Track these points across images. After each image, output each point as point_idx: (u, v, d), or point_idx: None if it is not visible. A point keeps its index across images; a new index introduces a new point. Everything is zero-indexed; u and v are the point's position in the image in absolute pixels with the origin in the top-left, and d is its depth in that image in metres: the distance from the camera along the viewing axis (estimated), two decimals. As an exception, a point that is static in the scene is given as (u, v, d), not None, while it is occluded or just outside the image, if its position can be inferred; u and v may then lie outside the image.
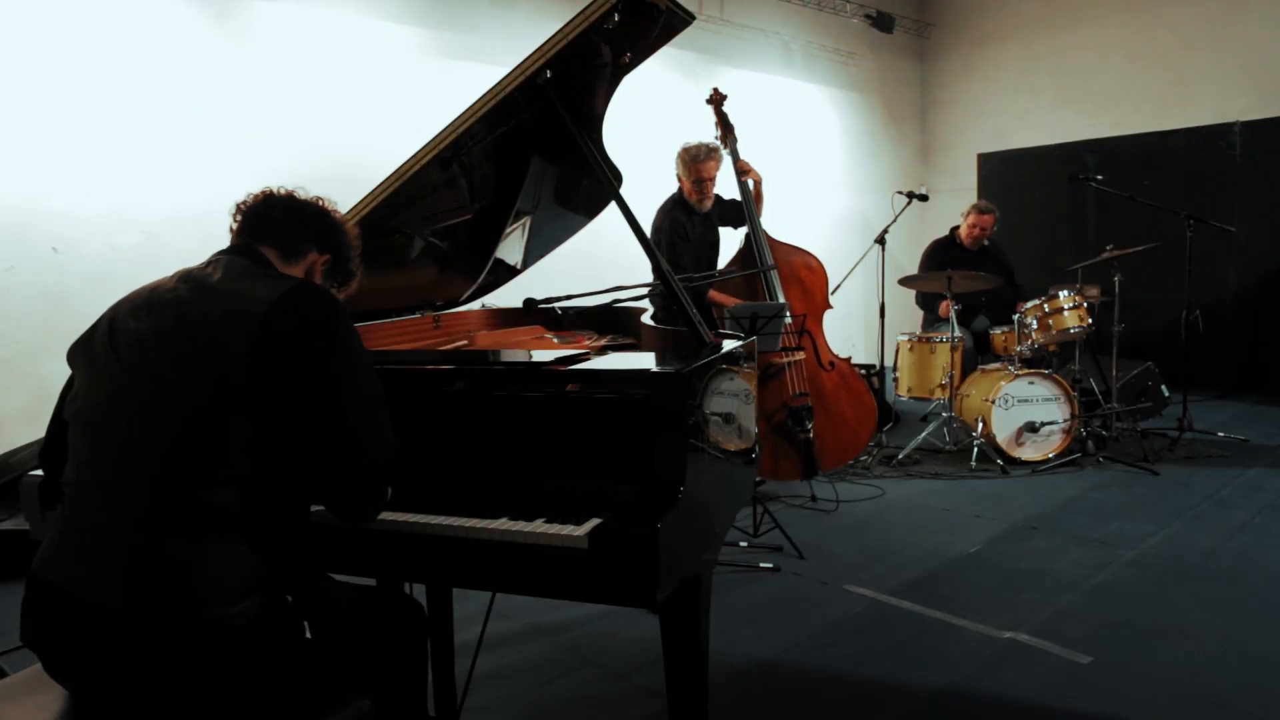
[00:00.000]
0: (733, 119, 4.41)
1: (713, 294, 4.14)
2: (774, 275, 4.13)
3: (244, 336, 1.35)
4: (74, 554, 1.35)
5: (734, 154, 4.32)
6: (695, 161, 4.03)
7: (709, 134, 4.35)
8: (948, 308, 5.08)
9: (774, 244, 4.24)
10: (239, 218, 1.61)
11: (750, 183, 4.28)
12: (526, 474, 1.64)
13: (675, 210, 4.15)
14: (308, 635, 1.41)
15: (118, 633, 1.29)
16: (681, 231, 4.12)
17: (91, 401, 1.41)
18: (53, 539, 1.40)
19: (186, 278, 1.47)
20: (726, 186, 4.30)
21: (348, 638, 1.49)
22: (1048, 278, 5.78)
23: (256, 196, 1.63)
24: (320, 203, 1.66)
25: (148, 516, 1.32)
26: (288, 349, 1.36)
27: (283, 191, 1.64)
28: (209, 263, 1.52)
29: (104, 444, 1.37)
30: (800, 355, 4.05)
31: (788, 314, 4.00)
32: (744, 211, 4.27)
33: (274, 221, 1.59)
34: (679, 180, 4.18)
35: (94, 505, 1.36)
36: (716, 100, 4.38)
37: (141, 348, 1.39)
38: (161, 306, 1.42)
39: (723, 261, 4.39)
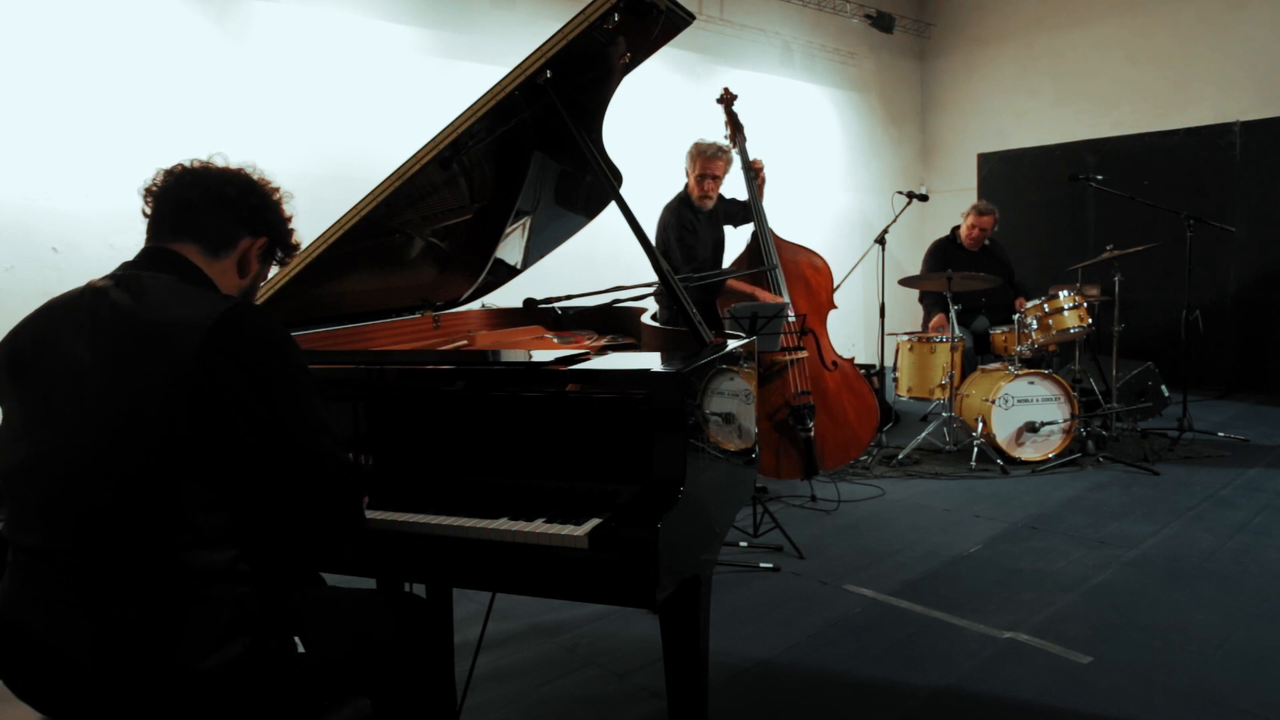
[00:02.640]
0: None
1: (732, 283, 4.17)
2: (779, 274, 4.15)
3: (177, 386, 1.21)
4: (38, 609, 1.26)
5: (743, 153, 4.33)
6: (703, 156, 4.09)
7: (711, 135, 4.36)
8: (940, 322, 5.12)
9: (780, 243, 4.26)
10: (151, 206, 1.40)
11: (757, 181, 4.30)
12: (526, 474, 1.64)
13: (681, 208, 4.20)
14: (300, 649, 1.36)
15: (90, 686, 1.23)
16: (690, 226, 4.17)
17: (23, 460, 1.28)
18: (12, 586, 1.30)
19: (112, 307, 1.28)
20: (733, 188, 4.32)
21: (345, 642, 1.47)
22: (1048, 278, 5.78)
23: (166, 177, 1.41)
24: (243, 174, 1.44)
25: (115, 588, 1.22)
26: (229, 395, 1.23)
27: (196, 165, 1.42)
28: (125, 280, 1.32)
29: (51, 516, 1.25)
30: (803, 354, 4.06)
31: (791, 313, 4.02)
32: (748, 210, 4.28)
33: (192, 209, 1.38)
34: (686, 174, 4.22)
35: (50, 573, 1.25)
36: (727, 100, 4.40)
37: (71, 398, 1.25)
38: (84, 354, 1.26)
39: (727, 260, 4.40)
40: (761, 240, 4.18)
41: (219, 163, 1.44)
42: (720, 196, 4.29)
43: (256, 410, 1.26)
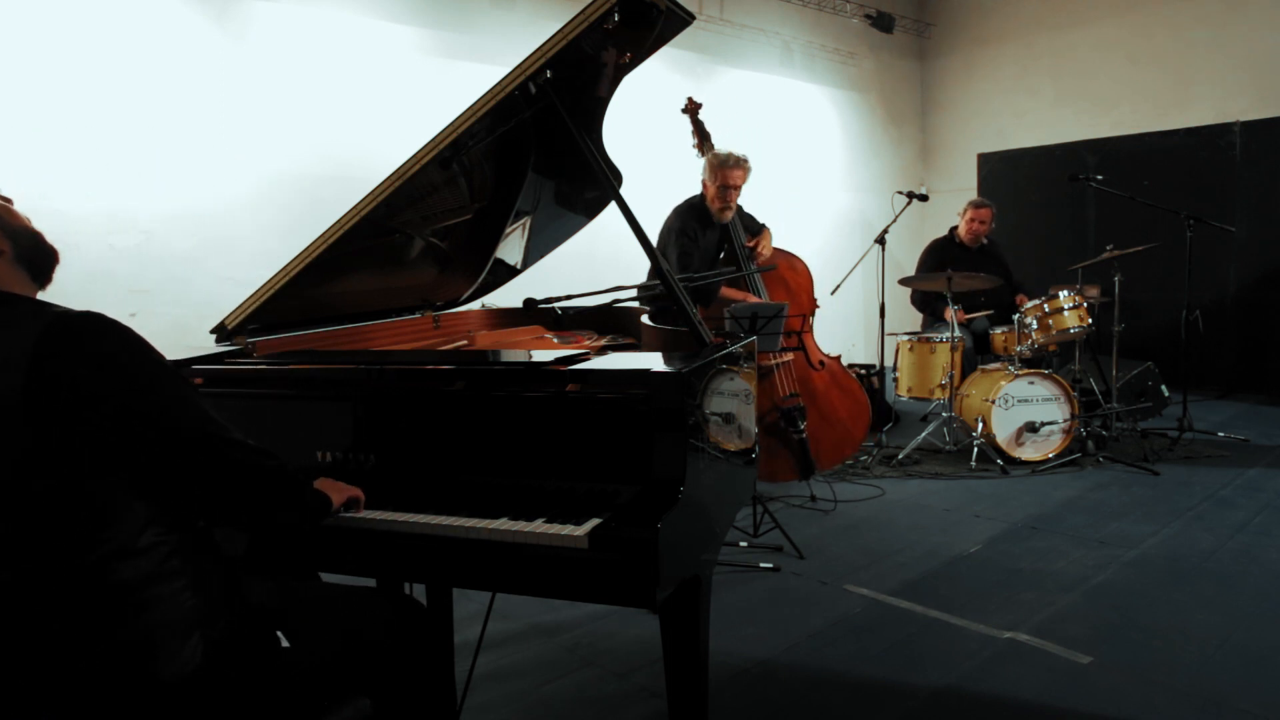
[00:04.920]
0: (711, 126, 4.32)
1: (725, 291, 4.14)
2: (758, 278, 4.12)
3: (10, 417, 1.15)
4: None
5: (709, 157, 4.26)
6: (723, 167, 4.02)
7: (713, 135, 4.36)
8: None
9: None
10: None
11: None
12: (526, 474, 1.64)
13: (688, 214, 4.13)
14: (284, 644, 1.35)
15: (48, 702, 1.21)
16: (692, 235, 4.08)
17: None
18: None
19: None
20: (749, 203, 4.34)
21: (333, 638, 1.46)
22: (1048, 278, 5.78)
23: None
24: None
25: (31, 613, 1.19)
26: (108, 405, 1.19)
27: None
28: None
29: None
30: (789, 356, 4.05)
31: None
32: (754, 225, 4.26)
33: None
34: (703, 186, 4.15)
35: None
36: (692, 109, 4.30)
37: None
38: None
39: None
40: (736, 244, 4.14)
41: None
42: (739, 209, 4.25)
43: (140, 408, 1.23)
